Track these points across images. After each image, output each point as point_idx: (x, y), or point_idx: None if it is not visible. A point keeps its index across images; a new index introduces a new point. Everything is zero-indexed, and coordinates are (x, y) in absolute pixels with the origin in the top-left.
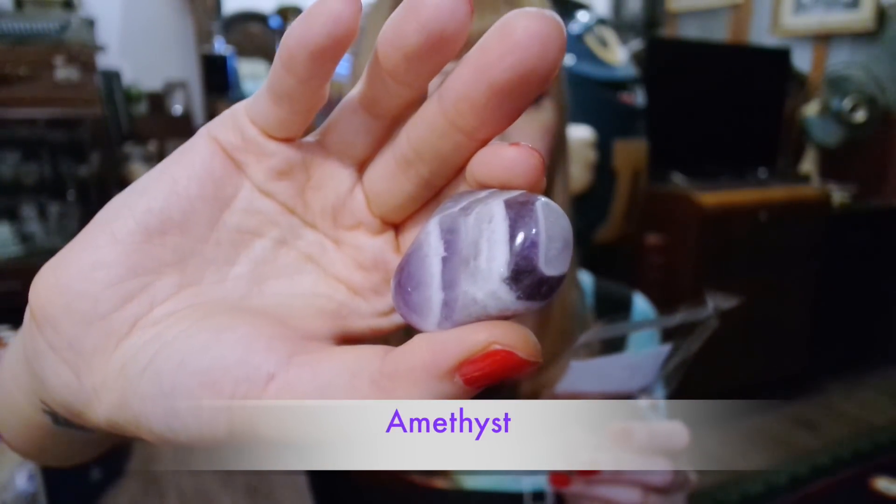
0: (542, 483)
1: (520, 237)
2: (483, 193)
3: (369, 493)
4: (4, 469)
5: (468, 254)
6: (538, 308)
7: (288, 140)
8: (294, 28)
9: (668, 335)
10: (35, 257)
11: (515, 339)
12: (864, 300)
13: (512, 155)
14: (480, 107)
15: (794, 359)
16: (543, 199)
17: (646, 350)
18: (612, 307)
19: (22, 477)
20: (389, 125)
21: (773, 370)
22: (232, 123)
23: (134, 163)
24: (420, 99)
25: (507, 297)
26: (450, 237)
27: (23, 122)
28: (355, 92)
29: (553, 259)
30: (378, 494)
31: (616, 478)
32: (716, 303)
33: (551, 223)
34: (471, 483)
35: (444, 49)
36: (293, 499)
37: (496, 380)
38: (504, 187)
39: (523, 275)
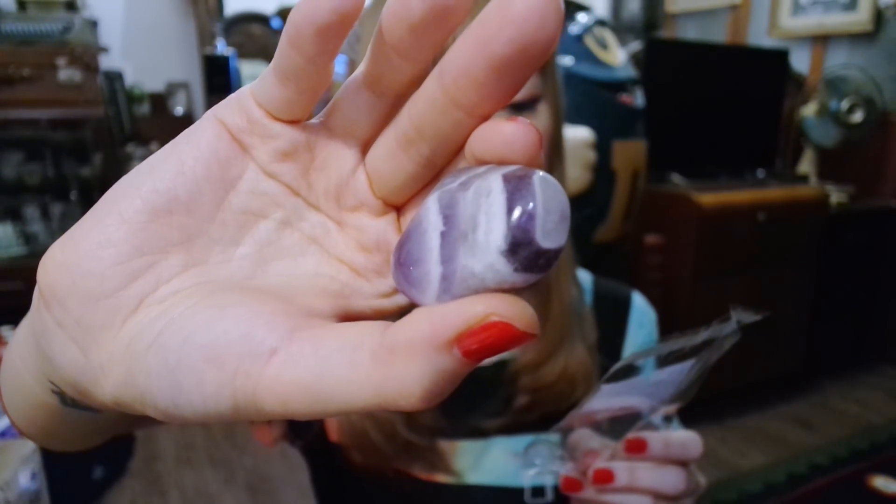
0: (542, 478)
1: (517, 210)
2: (482, 169)
3: (372, 488)
4: (7, 468)
5: (466, 228)
6: (536, 280)
7: (293, 122)
8: (301, 5)
9: (693, 352)
10: (38, 257)
11: (513, 311)
12: (861, 299)
13: (510, 130)
14: (480, 81)
15: (791, 358)
16: (541, 173)
17: (672, 367)
18: (611, 305)
19: (25, 475)
20: (392, 104)
21: (771, 369)
22: (238, 106)
23: (136, 163)
24: (422, 76)
25: (504, 270)
26: (448, 212)
27: (26, 123)
28: (359, 71)
29: (550, 231)
30: (381, 489)
31: (629, 486)
32: (740, 317)
33: (549, 196)
34: (473, 478)
35: (448, 19)
36: (294, 497)
37: (494, 352)
38: (502, 163)
39: (521, 247)
